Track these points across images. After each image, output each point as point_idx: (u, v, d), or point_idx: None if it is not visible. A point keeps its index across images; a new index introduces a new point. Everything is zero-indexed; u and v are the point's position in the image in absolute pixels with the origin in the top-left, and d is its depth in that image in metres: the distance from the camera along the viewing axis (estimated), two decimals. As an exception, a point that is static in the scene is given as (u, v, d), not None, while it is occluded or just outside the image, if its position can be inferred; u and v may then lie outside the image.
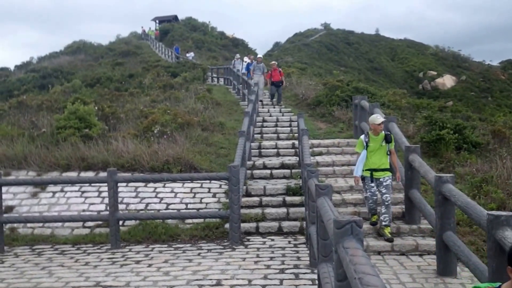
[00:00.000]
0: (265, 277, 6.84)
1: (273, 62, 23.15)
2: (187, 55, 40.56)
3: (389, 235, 7.99)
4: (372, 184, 8.17)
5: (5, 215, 9.49)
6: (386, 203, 8.05)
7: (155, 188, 10.91)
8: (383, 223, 8.12)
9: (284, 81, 20.57)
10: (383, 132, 8.21)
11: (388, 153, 8.17)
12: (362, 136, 8.29)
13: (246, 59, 26.75)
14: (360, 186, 8.70)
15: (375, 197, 8.28)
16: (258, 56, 21.89)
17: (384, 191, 8.06)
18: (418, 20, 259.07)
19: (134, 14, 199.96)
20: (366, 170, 8.15)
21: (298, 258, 7.70)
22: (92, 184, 10.93)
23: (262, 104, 19.96)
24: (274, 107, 19.66)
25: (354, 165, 12.02)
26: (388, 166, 8.16)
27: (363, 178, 8.21)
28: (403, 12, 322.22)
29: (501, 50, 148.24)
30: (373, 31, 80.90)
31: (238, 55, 30.79)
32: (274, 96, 20.12)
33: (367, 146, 8.09)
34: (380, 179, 8.08)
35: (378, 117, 8.20)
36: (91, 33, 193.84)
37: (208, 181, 10.97)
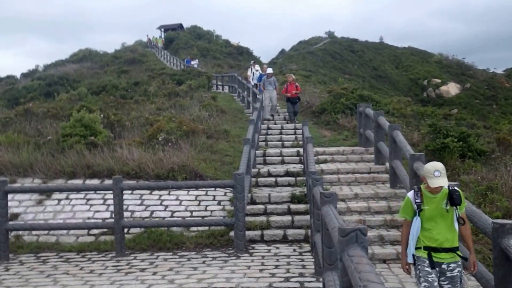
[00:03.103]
0: (270, 286, 6.83)
1: (288, 74, 22.13)
2: (192, 62, 40.77)
3: None
4: (431, 270, 4.80)
5: (10, 222, 9.52)
6: None
7: (160, 195, 10.93)
8: None
9: (300, 97, 18.78)
10: (446, 186, 4.86)
11: (460, 222, 4.88)
12: (411, 194, 4.99)
13: (257, 67, 25.85)
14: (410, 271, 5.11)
15: None
16: (268, 71, 19.96)
17: (448, 287, 4.83)
18: (420, 30, 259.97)
19: (140, 24, 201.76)
20: (420, 248, 4.89)
21: (303, 266, 7.70)
22: (97, 192, 10.96)
23: (275, 121, 18.65)
24: (278, 115, 19.65)
25: (359, 173, 12.18)
26: (457, 244, 4.88)
27: (414, 259, 4.94)
28: (405, 23, 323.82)
29: (505, 58, 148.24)
30: (376, 40, 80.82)
31: (252, 61, 30.55)
32: (292, 115, 18.06)
33: (419, 210, 4.88)
34: (443, 266, 4.81)
35: (436, 172, 4.76)
36: (98, 42, 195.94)
37: (213, 189, 10.99)
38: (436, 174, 4.77)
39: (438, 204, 4.84)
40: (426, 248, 4.85)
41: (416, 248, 4.90)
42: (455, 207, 4.84)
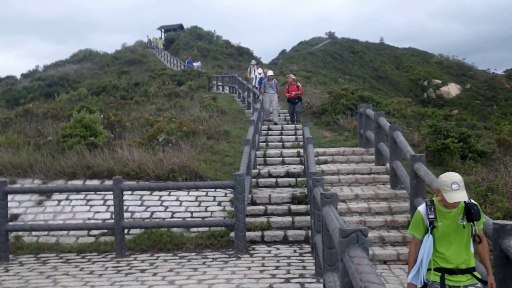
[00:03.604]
0: (270, 287, 6.82)
1: (289, 74, 21.99)
2: (194, 64, 40.75)
3: None
4: None
5: (10, 223, 9.51)
6: None
7: (160, 196, 10.93)
8: None
9: (301, 98, 18.75)
10: (463, 201, 4.30)
11: (476, 240, 4.38)
12: (422, 209, 4.40)
13: (260, 70, 25.45)
14: None
15: None
16: (269, 74, 19.67)
17: None
18: (421, 31, 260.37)
19: (141, 24, 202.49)
20: (431, 270, 4.31)
21: (304, 267, 7.68)
22: (98, 193, 10.95)
23: (275, 122, 18.32)
24: (279, 115, 19.60)
25: (359, 174, 12.17)
26: (473, 264, 4.37)
27: (425, 285, 4.34)
28: (405, 23, 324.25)
29: (506, 59, 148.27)
30: (376, 41, 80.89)
31: (253, 61, 30.50)
32: (293, 116, 18.13)
33: (432, 227, 4.30)
34: None
35: (453, 185, 4.18)
36: (98, 42, 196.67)
37: (213, 190, 10.99)
38: (454, 187, 4.17)
39: (453, 220, 4.28)
40: (440, 269, 4.28)
41: (427, 270, 4.30)
42: (472, 224, 4.32)
